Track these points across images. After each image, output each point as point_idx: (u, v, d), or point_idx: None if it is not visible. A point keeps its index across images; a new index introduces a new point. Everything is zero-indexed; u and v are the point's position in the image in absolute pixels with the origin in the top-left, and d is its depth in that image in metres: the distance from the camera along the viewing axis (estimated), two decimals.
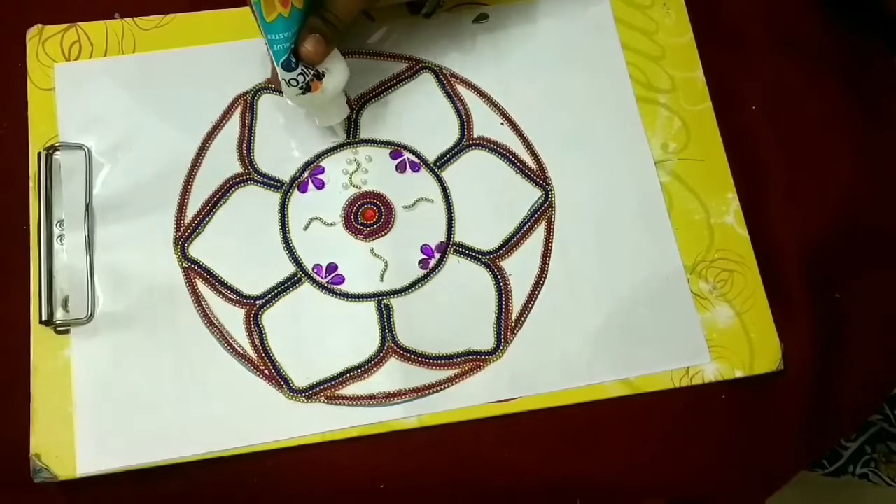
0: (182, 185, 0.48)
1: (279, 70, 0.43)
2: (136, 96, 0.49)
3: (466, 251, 0.48)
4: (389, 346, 0.46)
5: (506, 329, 0.47)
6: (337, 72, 0.44)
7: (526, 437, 0.46)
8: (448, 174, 0.50)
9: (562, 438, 0.46)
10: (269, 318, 0.46)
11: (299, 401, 0.45)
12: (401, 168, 0.50)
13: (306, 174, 0.49)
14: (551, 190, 0.50)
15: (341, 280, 0.47)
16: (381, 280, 0.47)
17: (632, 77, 0.52)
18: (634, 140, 0.51)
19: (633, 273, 0.48)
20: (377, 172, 0.50)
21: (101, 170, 0.48)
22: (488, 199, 0.49)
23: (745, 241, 0.49)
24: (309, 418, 0.45)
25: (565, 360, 0.46)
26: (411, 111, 0.51)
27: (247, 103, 0.50)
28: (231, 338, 0.46)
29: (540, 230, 0.49)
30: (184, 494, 0.44)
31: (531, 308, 0.47)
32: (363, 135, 0.50)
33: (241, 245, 0.48)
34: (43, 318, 0.44)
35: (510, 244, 0.49)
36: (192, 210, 0.48)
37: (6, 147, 0.48)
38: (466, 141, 0.50)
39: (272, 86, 0.50)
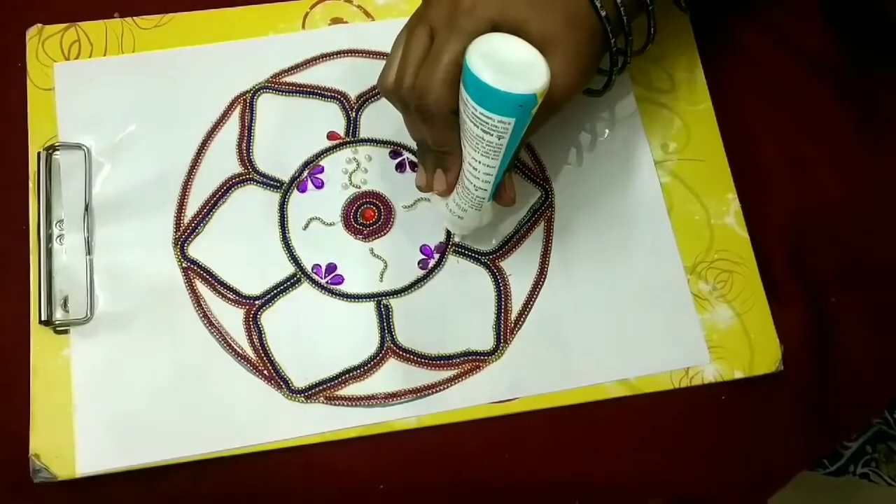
0: (181, 184, 0.48)
1: (483, 200, 0.41)
2: (135, 96, 0.49)
3: (466, 251, 0.48)
4: (389, 346, 0.46)
5: (505, 329, 0.47)
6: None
7: (525, 437, 0.46)
8: None
9: (561, 439, 0.46)
10: (269, 319, 0.46)
11: (298, 401, 0.45)
12: (400, 168, 0.50)
13: (305, 174, 0.49)
14: (551, 190, 0.50)
15: (341, 280, 0.47)
16: (381, 280, 0.47)
17: (632, 77, 0.52)
18: (634, 140, 0.51)
19: (632, 273, 0.48)
20: (377, 172, 0.49)
21: (101, 170, 0.48)
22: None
23: (746, 242, 0.49)
24: (308, 419, 0.45)
25: (565, 360, 0.46)
26: None
27: (246, 103, 0.50)
28: (230, 338, 0.46)
29: (539, 230, 0.49)
30: (184, 494, 0.44)
31: (531, 308, 0.47)
32: (363, 134, 0.50)
33: (241, 245, 0.48)
34: (42, 318, 0.44)
35: (510, 244, 0.49)
36: (191, 210, 0.48)
37: (6, 147, 0.48)
38: None
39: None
